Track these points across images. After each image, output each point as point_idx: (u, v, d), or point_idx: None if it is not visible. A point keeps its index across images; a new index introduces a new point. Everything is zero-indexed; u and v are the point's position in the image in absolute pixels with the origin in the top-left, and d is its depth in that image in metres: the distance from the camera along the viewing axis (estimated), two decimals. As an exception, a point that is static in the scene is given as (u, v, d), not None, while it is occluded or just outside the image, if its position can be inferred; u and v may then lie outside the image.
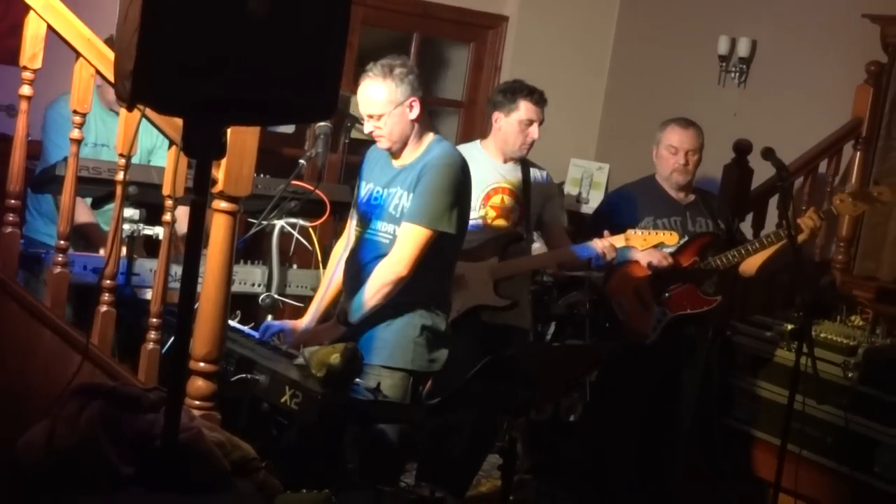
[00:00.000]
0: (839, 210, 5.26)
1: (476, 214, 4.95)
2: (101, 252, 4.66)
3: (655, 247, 4.99)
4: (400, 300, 4.12)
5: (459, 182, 4.15)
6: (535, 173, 5.14)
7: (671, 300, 5.15)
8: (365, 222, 4.28)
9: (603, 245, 4.86)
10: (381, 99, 4.09)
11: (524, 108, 4.97)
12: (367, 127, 4.17)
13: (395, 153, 4.23)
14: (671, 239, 4.93)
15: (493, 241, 4.98)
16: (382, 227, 4.21)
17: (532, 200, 5.10)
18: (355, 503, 3.41)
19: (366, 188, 4.33)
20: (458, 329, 4.81)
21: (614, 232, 4.97)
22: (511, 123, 4.99)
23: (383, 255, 4.16)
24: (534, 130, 5.00)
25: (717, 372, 5.55)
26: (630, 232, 4.91)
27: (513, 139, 5.01)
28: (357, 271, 4.26)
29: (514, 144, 5.01)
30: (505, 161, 5.06)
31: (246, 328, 4.28)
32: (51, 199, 4.86)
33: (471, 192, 4.31)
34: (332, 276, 4.46)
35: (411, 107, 4.12)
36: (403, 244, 4.08)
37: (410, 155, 4.21)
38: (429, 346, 4.20)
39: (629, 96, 7.90)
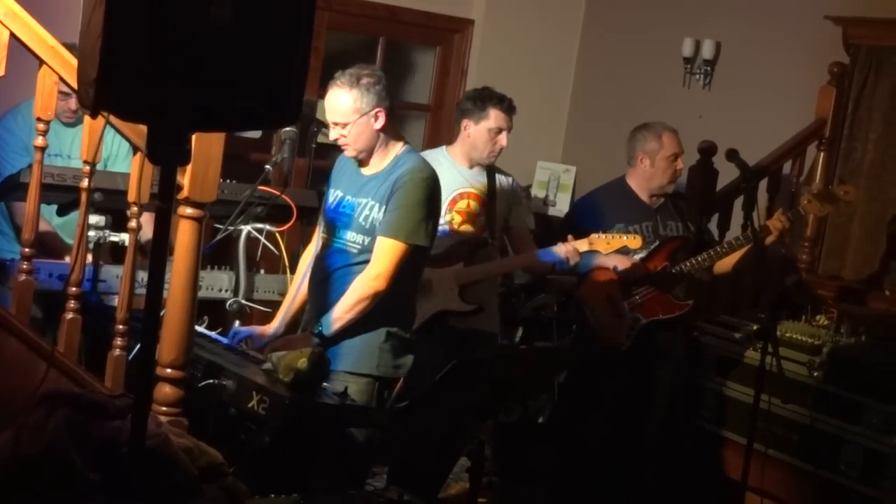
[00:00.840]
0: (807, 210, 5.31)
1: (442, 220, 4.95)
2: (64, 259, 4.66)
3: (619, 250, 5.00)
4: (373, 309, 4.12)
5: (433, 195, 4.16)
6: (500, 178, 5.15)
7: (644, 306, 5.18)
8: (332, 230, 4.28)
9: (566, 249, 4.86)
10: (346, 108, 4.09)
11: (493, 117, 4.97)
12: (333, 134, 4.17)
13: (361, 161, 4.23)
14: (635, 243, 4.94)
15: (458, 247, 4.98)
16: (350, 237, 4.21)
17: (498, 205, 5.11)
18: (324, 507, 3.41)
19: (334, 195, 4.33)
20: (425, 334, 4.82)
21: (579, 236, 5.00)
22: (480, 131, 4.99)
23: (350, 265, 4.17)
24: (503, 138, 5.00)
25: (684, 372, 5.59)
26: (594, 236, 4.91)
27: (482, 147, 5.00)
28: (323, 279, 4.27)
29: (482, 152, 5.01)
30: (471, 166, 5.06)
31: (213, 334, 4.27)
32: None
33: (441, 203, 4.33)
34: (301, 282, 4.45)
35: (377, 117, 4.12)
36: (381, 259, 4.08)
37: (379, 164, 4.21)
38: (394, 352, 4.21)
39: (595, 99, 7.93)
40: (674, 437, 5.60)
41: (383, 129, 4.16)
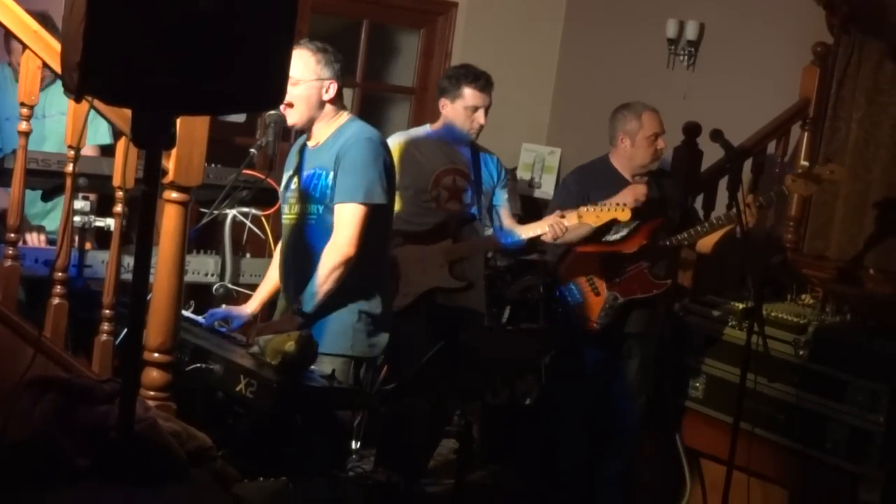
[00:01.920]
0: (791, 190, 5.31)
1: (428, 196, 5.00)
2: (31, 240, 4.65)
3: (608, 223, 5.02)
4: (343, 286, 4.13)
5: (381, 153, 4.20)
6: (484, 157, 5.17)
7: (621, 284, 5.19)
8: (290, 207, 4.34)
9: (554, 221, 4.90)
10: (306, 67, 4.16)
11: (468, 95, 5.01)
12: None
13: (304, 131, 4.29)
14: (624, 215, 4.96)
15: (446, 223, 5.02)
16: (305, 210, 4.26)
17: (483, 183, 5.12)
18: (312, 490, 3.42)
19: (286, 177, 4.40)
20: (414, 313, 4.84)
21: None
22: (457, 110, 5.03)
23: (311, 236, 4.20)
24: (479, 116, 5.03)
25: (671, 351, 5.61)
26: (583, 208, 4.95)
27: (460, 125, 5.04)
28: (289, 256, 4.33)
29: (462, 129, 5.05)
30: (455, 144, 5.09)
31: (200, 318, 4.28)
32: None
33: (394, 166, 4.33)
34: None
35: (329, 88, 4.19)
36: (344, 225, 4.11)
37: (324, 133, 4.26)
38: (367, 331, 4.23)
39: (579, 81, 7.93)
40: (659, 416, 5.62)
41: (332, 103, 4.22)
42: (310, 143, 4.31)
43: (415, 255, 4.93)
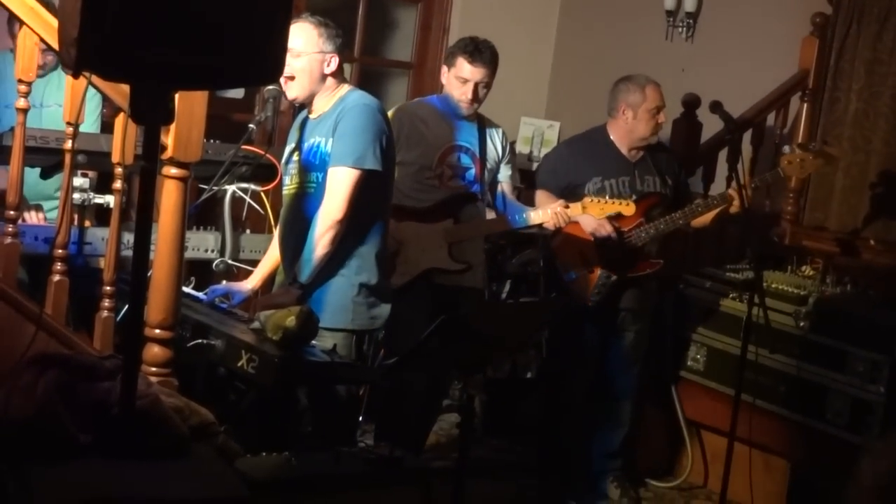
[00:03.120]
0: (787, 172, 5.31)
1: (431, 174, 4.96)
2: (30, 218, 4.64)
3: (610, 216, 5.00)
4: (336, 259, 4.13)
5: (378, 121, 4.19)
6: (490, 132, 5.11)
7: (615, 263, 5.18)
8: (291, 177, 4.33)
9: (555, 212, 4.85)
10: (309, 40, 4.16)
11: (459, 65, 4.94)
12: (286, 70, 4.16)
13: (304, 104, 4.29)
14: (628, 209, 4.90)
15: (448, 202, 4.97)
16: (306, 178, 4.26)
17: (488, 161, 5.08)
18: (315, 465, 3.42)
19: (288, 149, 4.39)
20: (411, 291, 4.82)
21: (555, 186, 5.03)
22: (450, 79, 4.98)
23: (313, 205, 4.19)
24: (468, 90, 4.93)
25: (671, 324, 5.61)
26: (587, 200, 4.90)
27: (452, 94, 4.99)
28: (290, 227, 4.32)
29: (453, 100, 4.99)
30: (458, 118, 5.03)
31: (200, 294, 4.28)
32: None
33: (391, 134, 4.32)
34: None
35: (331, 61, 4.19)
36: (334, 188, 4.11)
37: (325, 104, 4.26)
38: (368, 303, 4.24)
39: (578, 54, 7.91)
40: (660, 388, 5.63)
41: (333, 76, 4.23)
42: (311, 116, 4.30)
43: (414, 234, 4.90)
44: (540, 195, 5.21)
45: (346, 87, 4.30)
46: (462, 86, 4.93)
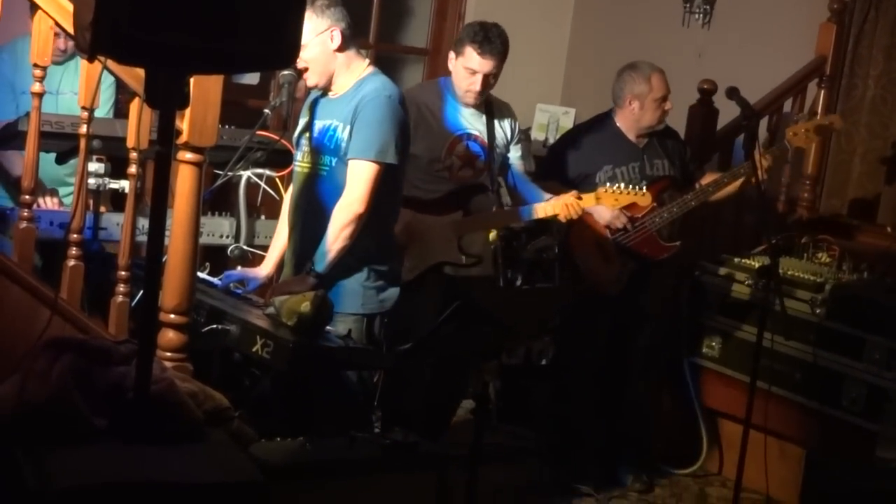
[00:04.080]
0: (792, 143, 5.30)
1: (441, 165, 4.89)
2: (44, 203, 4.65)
3: (625, 209, 4.98)
4: (353, 246, 4.11)
5: (399, 113, 4.14)
6: (499, 114, 5.00)
7: (631, 249, 5.17)
8: (303, 156, 4.30)
9: (571, 202, 4.81)
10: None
11: (468, 55, 4.78)
12: (300, 63, 4.13)
13: (324, 87, 4.23)
14: (644, 199, 4.86)
15: (457, 194, 4.91)
16: (317, 160, 4.22)
17: (497, 143, 5.02)
18: (329, 450, 3.42)
19: (301, 125, 4.34)
20: (421, 284, 4.77)
21: (562, 174, 5.00)
22: (458, 68, 4.83)
23: (324, 189, 4.17)
24: (476, 81, 4.79)
25: (687, 311, 5.60)
26: (601, 190, 4.85)
27: (458, 84, 4.86)
28: (298, 207, 4.29)
29: (459, 90, 4.87)
30: (466, 105, 4.93)
31: (215, 279, 4.28)
32: None
33: (409, 124, 4.28)
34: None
35: (332, 37, 4.12)
36: (356, 182, 4.07)
37: (344, 86, 4.20)
38: (377, 287, 4.23)
39: (594, 40, 7.88)
40: (676, 375, 5.62)
41: (342, 50, 4.15)
42: (330, 95, 4.24)
43: (423, 227, 4.83)
44: (548, 187, 5.18)
45: (364, 66, 4.23)
46: (471, 76, 4.80)
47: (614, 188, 4.85)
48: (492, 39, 4.76)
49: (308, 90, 4.40)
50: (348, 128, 4.11)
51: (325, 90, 4.25)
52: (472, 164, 4.95)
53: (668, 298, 5.44)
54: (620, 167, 5.19)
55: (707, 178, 5.31)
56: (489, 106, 4.98)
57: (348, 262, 4.15)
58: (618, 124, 5.27)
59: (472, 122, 4.94)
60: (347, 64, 4.19)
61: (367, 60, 4.29)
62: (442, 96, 4.92)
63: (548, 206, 4.89)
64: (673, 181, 5.25)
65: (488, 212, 5.02)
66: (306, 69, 4.13)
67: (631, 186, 4.91)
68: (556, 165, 5.31)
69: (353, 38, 4.21)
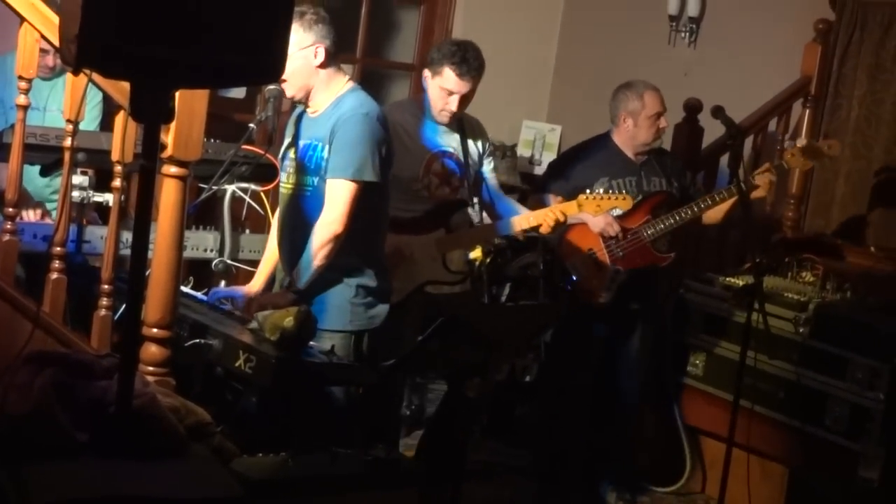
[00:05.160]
0: (790, 164, 5.32)
1: (419, 185, 4.87)
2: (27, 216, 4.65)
3: (608, 211, 4.98)
4: (335, 263, 4.12)
5: (376, 129, 4.13)
6: (470, 129, 4.96)
7: (625, 258, 5.17)
8: (286, 176, 4.30)
9: (547, 215, 4.79)
10: None
11: (445, 76, 4.72)
12: None
13: (302, 102, 4.23)
14: (624, 203, 4.89)
15: (437, 212, 4.87)
16: (300, 180, 4.23)
17: (471, 159, 4.99)
18: (311, 466, 3.41)
19: (285, 144, 4.34)
20: (406, 306, 4.75)
21: (561, 187, 4.99)
22: (434, 87, 4.77)
23: (306, 208, 4.17)
24: (452, 102, 4.74)
25: (671, 329, 5.61)
26: (582, 197, 4.85)
27: (433, 104, 4.80)
28: (285, 228, 4.30)
29: (434, 109, 4.81)
30: (440, 123, 4.87)
31: (199, 294, 4.26)
32: None
33: (390, 141, 4.26)
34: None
35: (316, 53, 4.10)
36: (334, 201, 4.08)
37: (324, 101, 4.20)
38: (366, 303, 4.23)
39: (580, 58, 7.90)
40: (660, 393, 5.62)
41: (324, 67, 4.14)
42: (309, 111, 4.25)
43: (406, 248, 4.81)
44: (545, 200, 5.19)
45: (343, 83, 4.22)
46: (447, 97, 4.74)
47: (595, 194, 4.85)
48: (469, 61, 4.71)
49: (293, 105, 4.39)
50: (327, 147, 4.12)
51: (305, 106, 4.25)
52: (449, 182, 4.92)
53: (654, 315, 5.44)
54: (617, 179, 5.22)
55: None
56: (461, 122, 4.94)
57: (335, 278, 4.16)
58: (616, 142, 5.30)
59: (446, 140, 4.91)
60: (328, 81, 4.18)
61: (347, 76, 4.28)
62: (416, 115, 4.88)
63: (530, 217, 4.88)
64: (669, 196, 5.27)
65: (472, 228, 5.01)
66: (284, 80, 4.11)
67: (612, 192, 4.92)
68: (554, 179, 5.34)
69: (336, 56, 4.20)
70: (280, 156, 4.36)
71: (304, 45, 4.07)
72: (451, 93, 4.74)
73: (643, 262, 5.17)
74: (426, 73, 4.83)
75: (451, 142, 4.92)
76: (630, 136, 5.25)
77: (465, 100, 4.78)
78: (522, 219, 4.91)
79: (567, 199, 5.01)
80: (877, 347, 4.85)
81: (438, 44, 4.94)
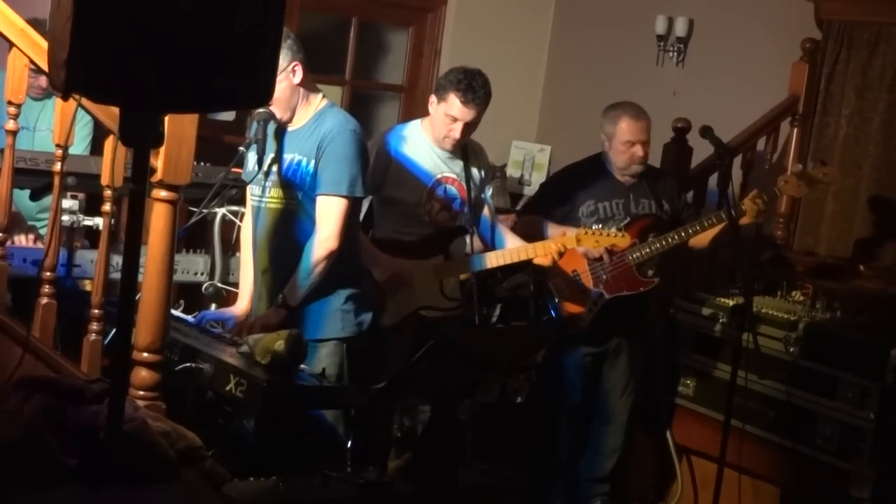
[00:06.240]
0: (783, 191, 5.30)
1: (422, 210, 4.86)
2: (20, 241, 4.64)
3: (607, 247, 4.97)
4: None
5: (363, 147, 4.24)
6: (472, 155, 4.96)
7: (608, 282, 5.17)
8: (268, 191, 4.31)
9: (553, 250, 4.82)
10: None
11: (450, 103, 4.71)
12: None
13: (287, 121, 4.27)
14: (623, 241, 4.89)
15: (437, 237, 4.87)
16: (285, 194, 4.26)
17: (473, 185, 5.00)
18: (303, 489, 3.40)
19: (267, 160, 4.29)
20: (401, 329, 4.74)
21: (549, 211, 5.02)
22: (439, 113, 4.76)
23: (294, 223, 4.22)
24: (456, 129, 4.74)
25: (662, 349, 5.60)
26: (581, 232, 4.86)
27: (437, 128, 4.80)
28: (269, 242, 4.31)
29: (438, 135, 4.80)
30: (443, 149, 4.87)
31: (189, 317, 4.26)
32: None
33: (369, 156, 4.35)
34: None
35: (294, 71, 4.16)
36: (328, 218, 4.14)
37: (302, 118, 4.26)
38: (354, 310, 4.31)
39: (569, 78, 7.92)
40: (651, 414, 5.61)
41: (303, 84, 4.21)
42: (289, 127, 4.29)
43: (408, 273, 4.79)
44: (541, 224, 5.19)
45: (319, 99, 4.29)
46: (451, 123, 4.74)
47: (595, 230, 4.85)
48: (475, 89, 4.70)
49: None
50: (313, 162, 4.16)
51: (287, 123, 4.29)
52: (449, 208, 4.91)
53: (643, 335, 5.44)
54: (603, 202, 5.22)
55: None
56: (464, 148, 4.93)
57: (324, 289, 4.22)
58: (606, 163, 5.29)
59: (449, 166, 4.90)
60: (307, 96, 4.26)
61: (321, 93, 4.34)
62: (419, 140, 4.87)
63: (528, 250, 4.90)
64: (657, 220, 5.26)
65: (470, 256, 4.99)
66: (272, 104, 4.12)
67: (613, 229, 4.93)
68: (544, 201, 5.35)
69: (308, 70, 4.26)
70: (263, 171, 4.30)
71: (283, 68, 4.10)
72: (455, 119, 4.73)
73: (627, 287, 5.16)
74: (432, 98, 4.83)
75: (454, 168, 4.91)
76: (615, 163, 5.26)
77: (468, 128, 4.78)
78: (518, 251, 4.92)
79: (557, 223, 5.03)
80: (867, 366, 4.86)
81: (448, 70, 4.92)
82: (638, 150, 5.18)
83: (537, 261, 4.93)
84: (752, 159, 6.23)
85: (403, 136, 4.90)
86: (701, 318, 5.49)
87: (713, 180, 5.90)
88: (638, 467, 5.70)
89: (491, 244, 5.05)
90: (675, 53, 7.23)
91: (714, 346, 5.41)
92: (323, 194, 4.14)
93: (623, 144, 5.17)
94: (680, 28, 7.16)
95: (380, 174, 4.72)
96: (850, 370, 4.90)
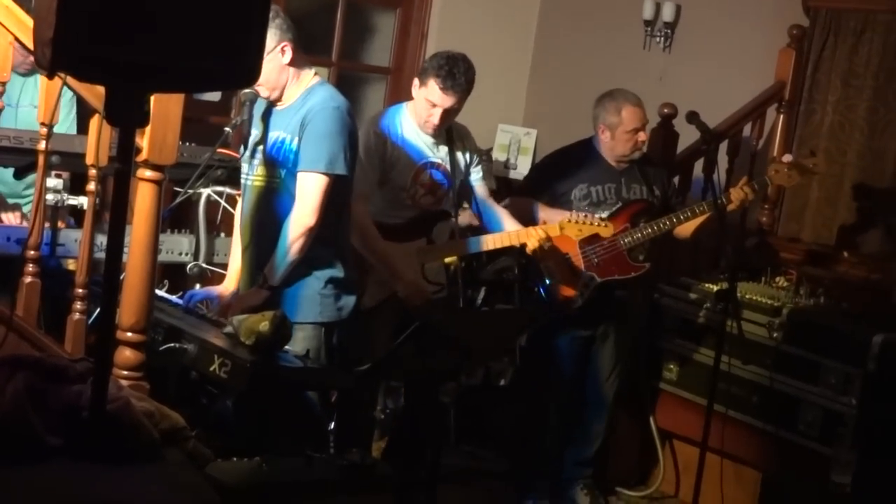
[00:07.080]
0: (773, 180, 5.30)
1: (406, 194, 4.86)
2: (7, 219, 4.62)
3: (589, 237, 4.97)
4: (304, 255, 4.15)
5: (347, 124, 4.19)
6: (458, 138, 4.96)
7: (600, 266, 5.18)
8: (254, 169, 4.31)
9: (540, 236, 4.83)
10: None
11: (430, 88, 4.69)
12: None
13: (277, 100, 4.26)
14: (606, 231, 4.91)
15: (420, 221, 4.89)
16: (269, 172, 4.25)
17: (458, 170, 5.00)
18: (286, 471, 3.41)
19: (252, 138, 4.32)
20: (381, 311, 4.75)
21: (541, 193, 4.99)
22: (419, 97, 4.74)
23: (277, 201, 4.20)
24: (435, 115, 4.72)
25: (646, 334, 5.62)
26: (564, 220, 4.88)
27: (419, 114, 4.78)
28: (254, 220, 4.31)
29: (419, 119, 4.79)
30: (425, 133, 4.85)
31: (173, 297, 4.25)
32: None
33: (357, 134, 4.31)
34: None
35: (283, 51, 4.15)
36: (306, 195, 4.12)
37: (291, 96, 4.25)
38: (334, 295, 4.27)
39: (556, 62, 7.91)
40: (634, 398, 5.63)
41: (293, 63, 4.19)
42: (277, 106, 4.28)
43: (390, 253, 4.79)
44: (531, 206, 5.19)
45: (310, 77, 4.27)
46: (431, 108, 4.71)
47: (577, 218, 4.87)
48: (456, 76, 4.67)
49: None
50: (296, 139, 4.15)
51: (276, 102, 4.28)
52: (434, 192, 4.91)
53: (630, 320, 5.45)
54: (596, 186, 5.23)
55: None
56: (449, 132, 4.92)
57: (303, 271, 4.19)
58: (597, 148, 5.29)
59: (434, 151, 4.89)
60: (297, 75, 4.24)
61: (313, 70, 4.32)
62: (405, 124, 4.86)
63: (515, 236, 4.90)
64: (649, 206, 5.27)
65: (454, 241, 5.00)
66: (260, 84, 4.11)
67: (597, 217, 4.94)
68: (536, 184, 5.35)
69: (300, 48, 4.24)
70: (249, 149, 4.32)
71: (271, 48, 4.08)
72: (434, 105, 4.71)
73: (619, 271, 5.18)
74: (415, 81, 4.81)
75: (439, 152, 4.90)
76: (609, 147, 5.26)
77: (447, 114, 4.75)
78: (505, 236, 4.92)
79: (548, 205, 5.04)
80: (850, 352, 4.88)
81: (433, 55, 4.89)
82: (641, 136, 5.22)
83: (527, 250, 4.92)
84: (737, 145, 6.24)
85: (395, 119, 4.90)
86: (685, 303, 5.51)
87: (699, 166, 5.92)
88: (621, 451, 5.72)
89: (487, 226, 5.05)
90: (662, 38, 7.23)
91: (698, 332, 5.43)
92: (302, 171, 4.12)
93: (628, 133, 5.19)
94: (667, 13, 7.15)
95: (379, 161, 4.71)
96: (833, 356, 4.92)
